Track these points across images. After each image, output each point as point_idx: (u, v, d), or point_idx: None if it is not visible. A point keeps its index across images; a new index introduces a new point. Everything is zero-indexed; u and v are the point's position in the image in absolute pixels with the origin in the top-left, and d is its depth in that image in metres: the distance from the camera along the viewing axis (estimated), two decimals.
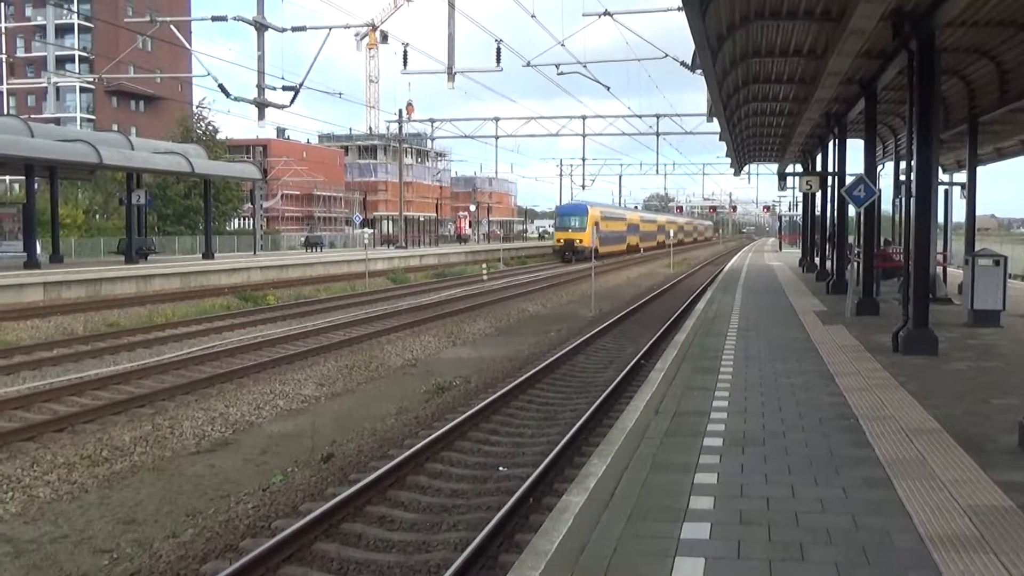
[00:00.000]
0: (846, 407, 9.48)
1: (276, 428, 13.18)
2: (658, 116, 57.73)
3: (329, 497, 9.07)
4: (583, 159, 73.69)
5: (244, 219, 79.96)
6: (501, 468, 10.40)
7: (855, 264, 21.47)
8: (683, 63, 25.28)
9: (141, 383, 15.67)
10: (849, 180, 21.46)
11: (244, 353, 18.85)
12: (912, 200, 13.81)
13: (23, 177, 36.40)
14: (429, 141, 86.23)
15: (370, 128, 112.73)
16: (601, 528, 5.77)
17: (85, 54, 79.69)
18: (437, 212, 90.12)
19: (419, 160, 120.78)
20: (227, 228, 70.02)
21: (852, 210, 21.41)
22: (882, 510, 6.06)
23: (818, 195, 35.09)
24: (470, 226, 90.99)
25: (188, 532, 8.49)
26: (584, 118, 60.23)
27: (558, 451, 10.25)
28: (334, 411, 14.40)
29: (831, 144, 28.91)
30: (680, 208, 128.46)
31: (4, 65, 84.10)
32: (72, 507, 9.45)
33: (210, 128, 71.12)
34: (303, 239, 68.59)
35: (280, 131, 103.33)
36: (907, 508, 6.08)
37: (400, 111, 61.80)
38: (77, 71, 78.69)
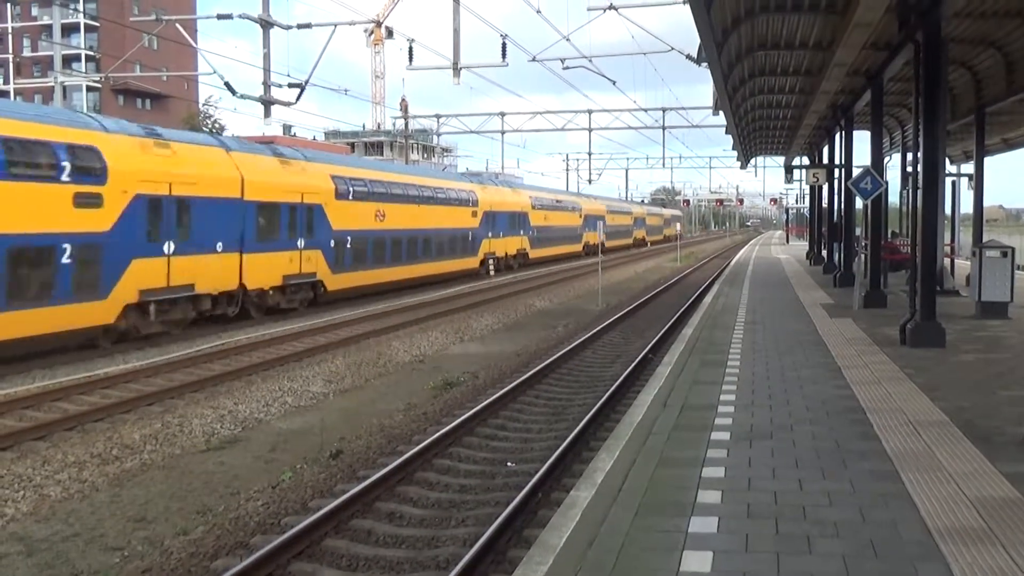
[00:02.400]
0: (853, 400, 9.48)
1: (285, 425, 13.22)
2: (664, 110, 57.54)
3: (338, 494, 9.11)
4: (589, 153, 73.37)
5: None
6: (509, 463, 10.43)
7: (862, 256, 21.45)
8: (689, 56, 25.17)
9: (151, 381, 15.73)
10: (856, 172, 21.44)
11: (253, 350, 18.92)
12: (919, 192, 13.79)
13: None
14: (435, 137, 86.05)
15: (377, 124, 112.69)
16: (609, 523, 5.79)
17: (91, 53, 79.82)
18: None
19: (425, 156, 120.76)
20: None
21: (859, 202, 21.40)
22: (889, 503, 6.07)
23: (825, 187, 35.10)
24: None
25: (198, 529, 8.54)
26: (590, 112, 60.01)
27: (566, 446, 10.27)
28: (342, 408, 14.43)
29: (838, 136, 28.88)
30: (681, 203, 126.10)
31: (11, 65, 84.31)
32: (83, 506, 9.50)
33: (216, 126, 71.31)
34: None
35: (286, 128, 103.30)
36: (914, 500, 6.09)
37: (405, 107, 61.83)
38: (84, 70, 78.90)
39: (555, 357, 17.10)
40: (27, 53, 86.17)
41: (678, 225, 79.22)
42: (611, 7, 26.71)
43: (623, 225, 76.08)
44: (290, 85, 28.61)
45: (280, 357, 17.98)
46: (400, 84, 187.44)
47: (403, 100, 62.05)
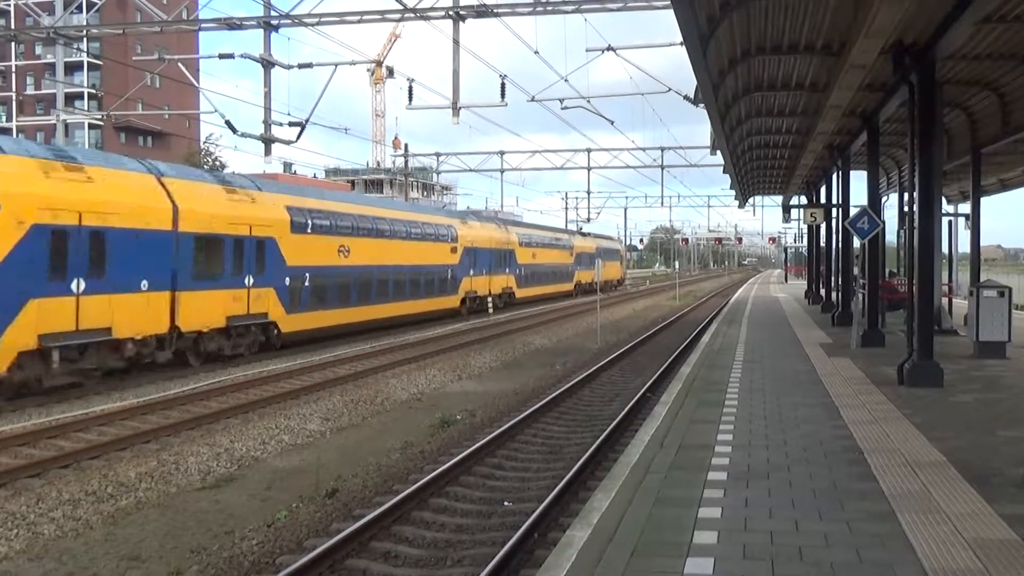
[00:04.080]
0: (851, 440, 9.46)
1: (281, 463, 13.16)
2: (662, 149, 57.75)
3: (334, 533, 9.06)
4: (588, 192, 73.55)
5: None
6: (506, 503, 10.38)
7: (860, 296, 21.47)
8: (686, 97, 25.39)
9: (147, 419, 15.68)
10: (853, 212, 21.53)
11: (249, 388, 18.87)
12: (916, 231, 13.85)
13: None
14: (435, 175, 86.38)
15: (378, 162, 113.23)
16: (605, 563, 5.76)
17: (94, 91, 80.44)
18: None
19: (425, 194, 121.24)
20: None
21: (857, 241, 21.49)
22: (886, 544, 6.04)
23: (823, 226, 35.22)
24: None
25: (192, 569, 8.48)
26: (589, 151, 60.24)
27: (563, 486, 10.23)
28: (339, 446, 14.38)
29: (835, 176, 29.03)
30: (680, 241, 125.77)
31: (14, 103, 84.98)
32: (77, 544, 9.43)
33: (217, 163, 71.66)
34: None
35: (287, 166, 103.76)
36: (911, 542, 6.06)
37: (405, 145, 62.12)
38: (86, 108, 79.42)
39: (553, 395, 17.08)
40: (30, 91, 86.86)
41: (618, 265, 73.39)
42: (609, 48, 26.96)
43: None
44: (291, 123, 28.76)
45: (278, 395, 17.94)
46: (401, 123, 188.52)
47: (396, 139, 62.43)
